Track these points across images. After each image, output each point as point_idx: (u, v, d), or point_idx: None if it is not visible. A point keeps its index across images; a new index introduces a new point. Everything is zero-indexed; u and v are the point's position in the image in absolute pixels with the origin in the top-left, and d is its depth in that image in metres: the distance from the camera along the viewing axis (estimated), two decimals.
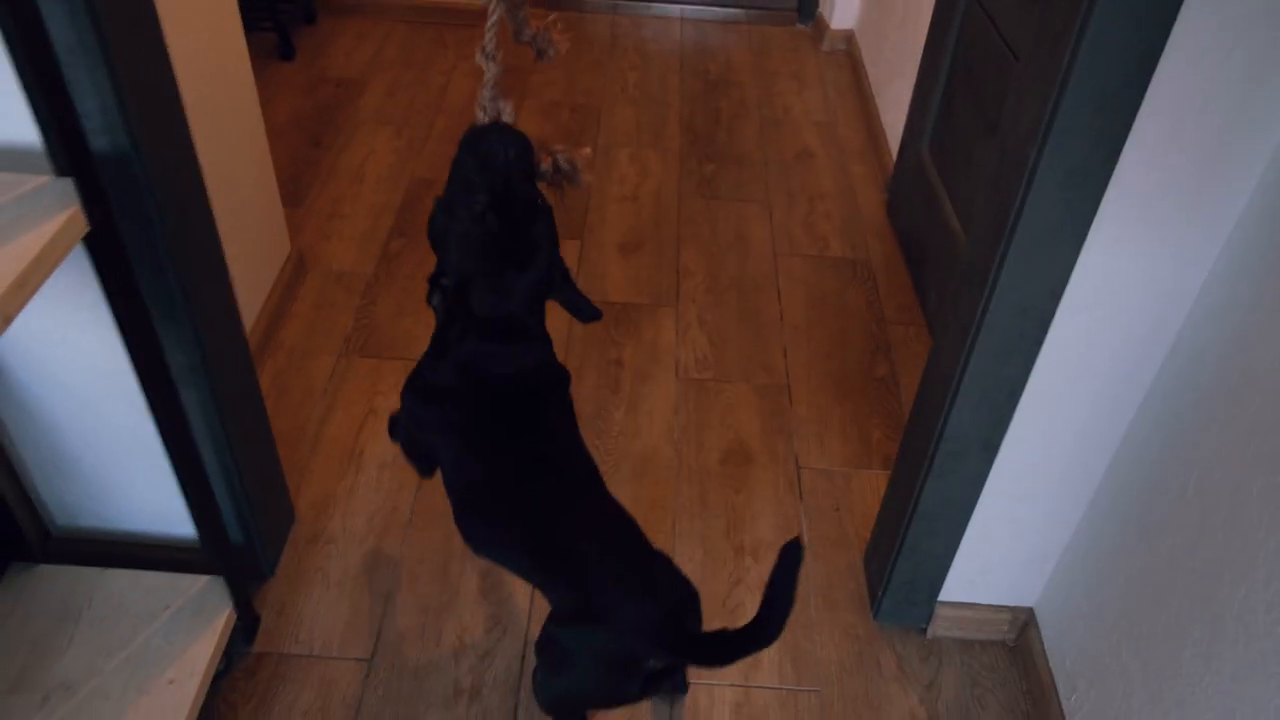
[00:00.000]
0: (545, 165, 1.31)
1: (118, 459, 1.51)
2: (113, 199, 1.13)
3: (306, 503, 1.84)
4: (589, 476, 1.33)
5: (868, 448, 2.02)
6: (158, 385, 1.29)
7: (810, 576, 1.77)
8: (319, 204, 2.56)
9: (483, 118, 1.32)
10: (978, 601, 1.65)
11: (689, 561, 1.78)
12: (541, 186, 1.32)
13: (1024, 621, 1.65)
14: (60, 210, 1.01)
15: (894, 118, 2.80)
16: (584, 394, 2.09)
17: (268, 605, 1.68)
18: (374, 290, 2.32)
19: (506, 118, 1.32)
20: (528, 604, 1.70)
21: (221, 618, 1.50)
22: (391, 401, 2.05)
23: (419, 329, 2.21)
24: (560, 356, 2.15)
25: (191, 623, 1.51)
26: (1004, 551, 1.56)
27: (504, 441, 1.29)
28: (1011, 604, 1.65)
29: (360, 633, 1.64)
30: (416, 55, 3.23)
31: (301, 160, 2.71)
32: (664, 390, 2.12)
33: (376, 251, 2.43)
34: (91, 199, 1.05)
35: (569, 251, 2.46)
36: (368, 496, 1.86)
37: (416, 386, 1.38)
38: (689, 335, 2.26)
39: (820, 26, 3.52)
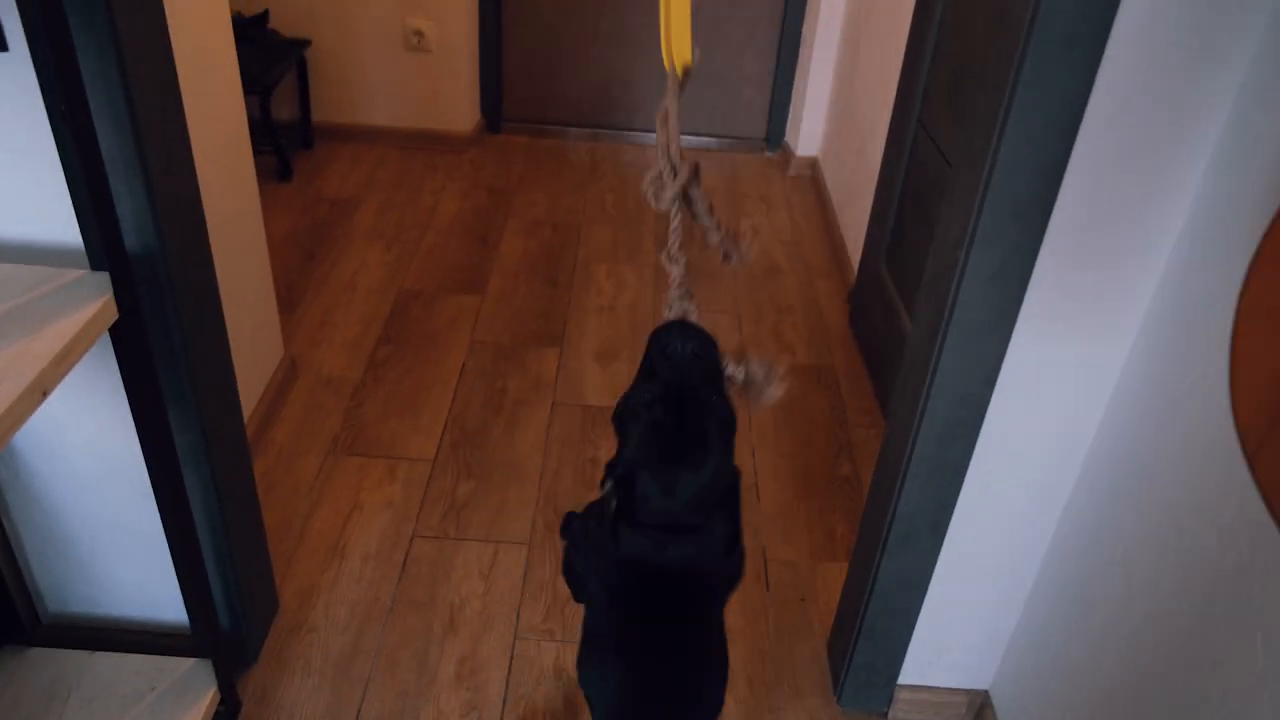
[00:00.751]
0: (738, 368, 1.29)
1: (113, 543, 1.59)
2: (139, 291, 1.25)
3: (291, 592, 1.91)
4: (698, 667, 1.34)
5: (831, 541, 2.12)
6: (164, 468, 1.38)
7: (776, 663, 1.84)
8: (311, 312, 2.70)
9: (669, 316, 1.35)
10: (935, 684, 1.72)
11: None
12: (732, 392, 1.31)
13: (980, 704, 1.72)
14: (96, 299, 1.14)
15: (854, 235, 2.99)
16: (562, 491, 2.19)
17: (249, 692, 1.72)
18: (361, 393, 2.43)
19: (691, 317, 1.33)
20: (502, 690, 1.75)
21: (206, 698, 1.56)
22: (375, 497, 2.13)
23: (403, 430, 2.32)
24: (538, 457, 2.26)
25: (176, 703, 1.55)
26: (958, 633, 1.65)
27: (640, 612, 1.32)
28: (967, 687, 1.72)
29: (340, 719, 1.69)
30: (408, 178, 3.43)
31: (296, 272, 2.86)
32: None
33: (365, 357, 2.55)
34: (121, 290, 1.17)
35: (547, 360, 2.60)
36: (350, 587, 1.92)
37: (588, 530, 1.37)
38: None
39: (787, 153, 3.77)
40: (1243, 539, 1.05)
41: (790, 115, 3.78)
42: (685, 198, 1.33)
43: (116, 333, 1.20)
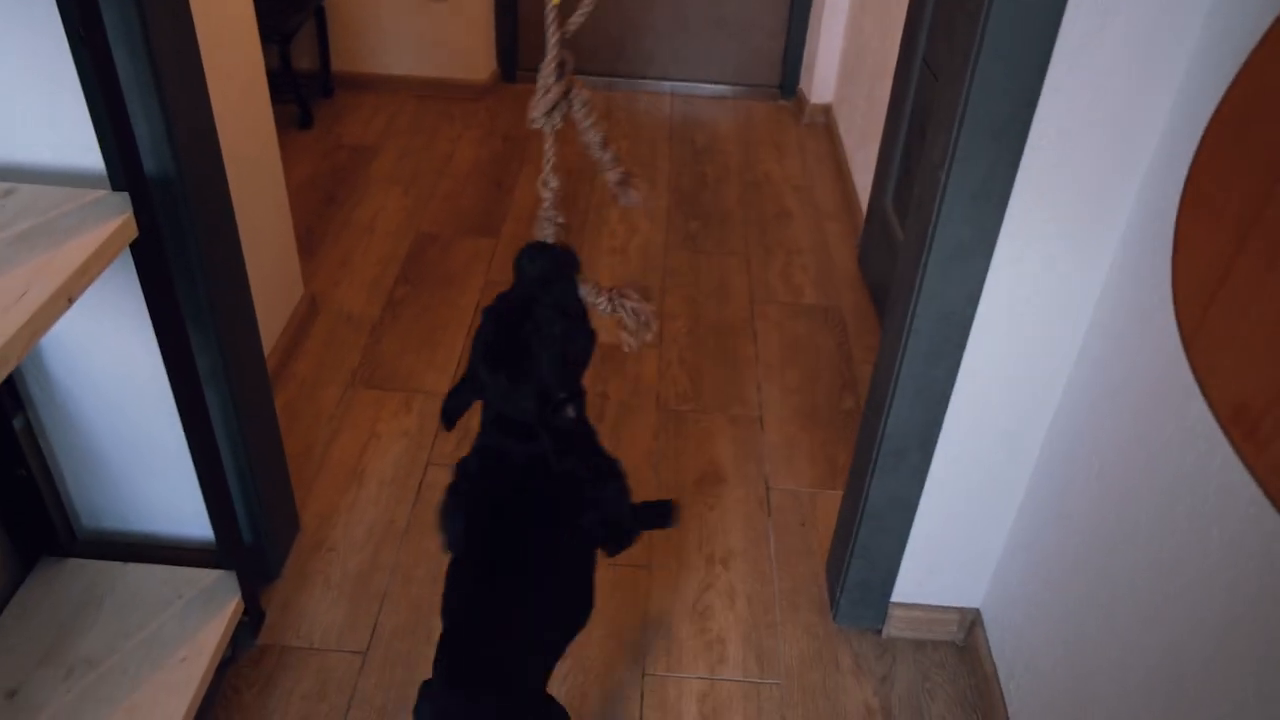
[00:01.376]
0: (601, 298, 1.36)
1: (141, 461, 1.67)
2: (158, 212, 1.32)
3: (311, 515, 2.00)
4: (538, 586, 1.36)
5: (833, 471, 2.18)
6: (186, 385, 1.46)
7: (776, 583, 1.91)
8: (331, 253, 2.77)
9: (538, 237, 1.42)
10: (927, 603, 1.79)
11: (662, 569, 1.92)
12: (610, 322, 1.37)
13: (971, 621, 1.79)
14: (116, 216, 1.21)
15: (864, 179, 3.01)
16: None
17: (272, 604, 1.82)
18: (380, 330, 2.51)
19: (549, 238, 1.39)
20: None
21: (230, 606, 1.65)
22: (392, 427, 2.22)
23: (419, 365, 2.39)
24: None
25: (203, 610, 1.65)
26: (948, 552, 1.71)
27: (483, 538, 1.36)
28: (959, 605, 1.78)
29: (357, 629, 1.78)
30: (425, 125, 3.48)
31: (316, 215, 2.93)
32: (645, 420, 2.28)
33: (383, 296, 2.62)
34: (141, 210, 1.24)
35: None
36: (368, 509, 2.01)
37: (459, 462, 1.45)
38: (670, 372, 2.43)
39: (801, 101, 3.78)
40: (1201, 437, 1.10)
41: (804, 62, 3.78)
42: (569, 120, 1.39)
43: (137, 251, 1.27)
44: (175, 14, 1.27)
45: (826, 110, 3.70)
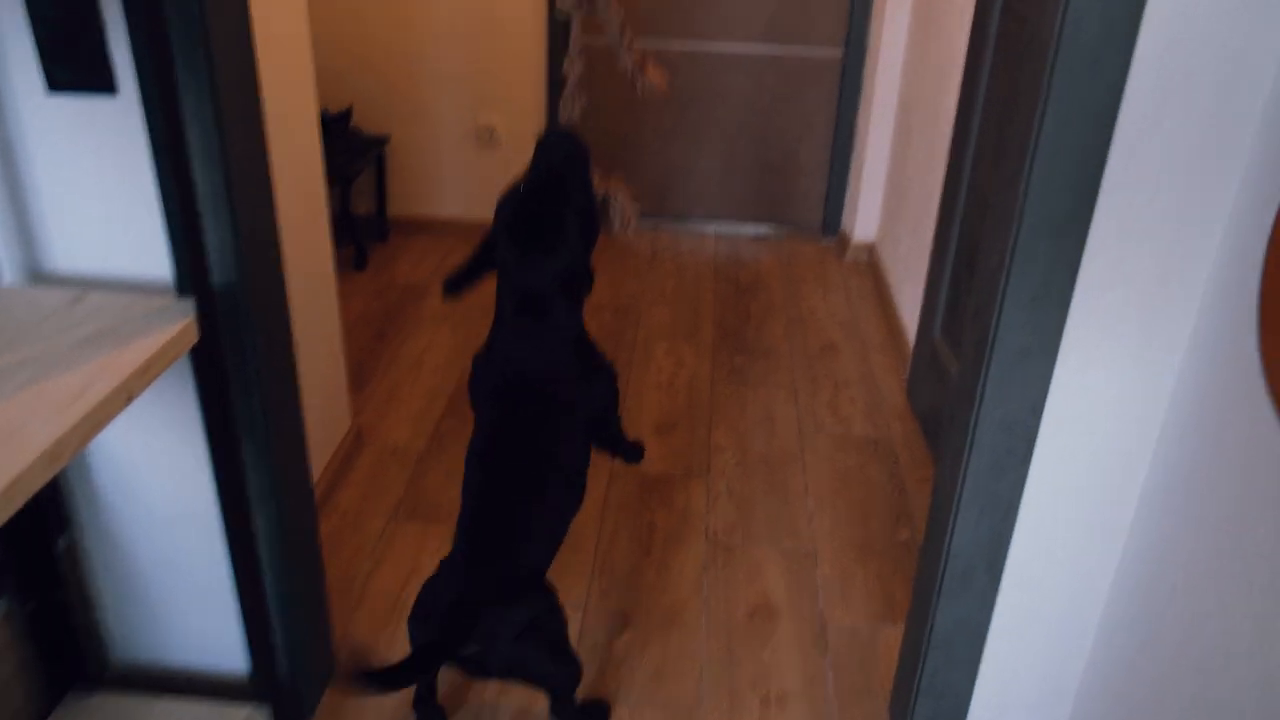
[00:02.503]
0: (600, 189, 1.48)
1: (180, 587, 1.64)
2: (220, 320, 1.34)
3: (350, 652, 1.93)
4: (541, 470, 1.52)
5: (891, 605, 2.08)
6: (235, 503, 1.45)
7: None
8: (380, 388, 2.79)
9: (563, 113, 1.52)
10: None
11: (714, 710, 1.82)
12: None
13: None
14: (180, 320, 1.22)
15: (910, 314, 3.01)
16: (617, 554, 2.20)
17: None
18: (425, 463, 2.49)
19: (573, 116, 1.51)
20: None
21: None
22: (434, 560, 2.16)
23: None
24: (594, 524, 2.28)
25: None
26: (1023, 682, 1.60)
27: (494, 426, 1.54)
28: None
29: None
30: None
31: (366, 351, 2.98)
32: (693, 551, 2.22)
33: (429, 429, 2.62)
34: (204, 316, 1.26)
35: None
36: (407, 646, 1.94)
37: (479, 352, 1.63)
38: (718, 504, 2.38)
39: (843, 240, 3.83)
40: None
41: (846, 203, 3.86)
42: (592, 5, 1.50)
43: (197, 356, 1.28)
44: (250, 130, 1.32)
45: (870, 249, 3.75)
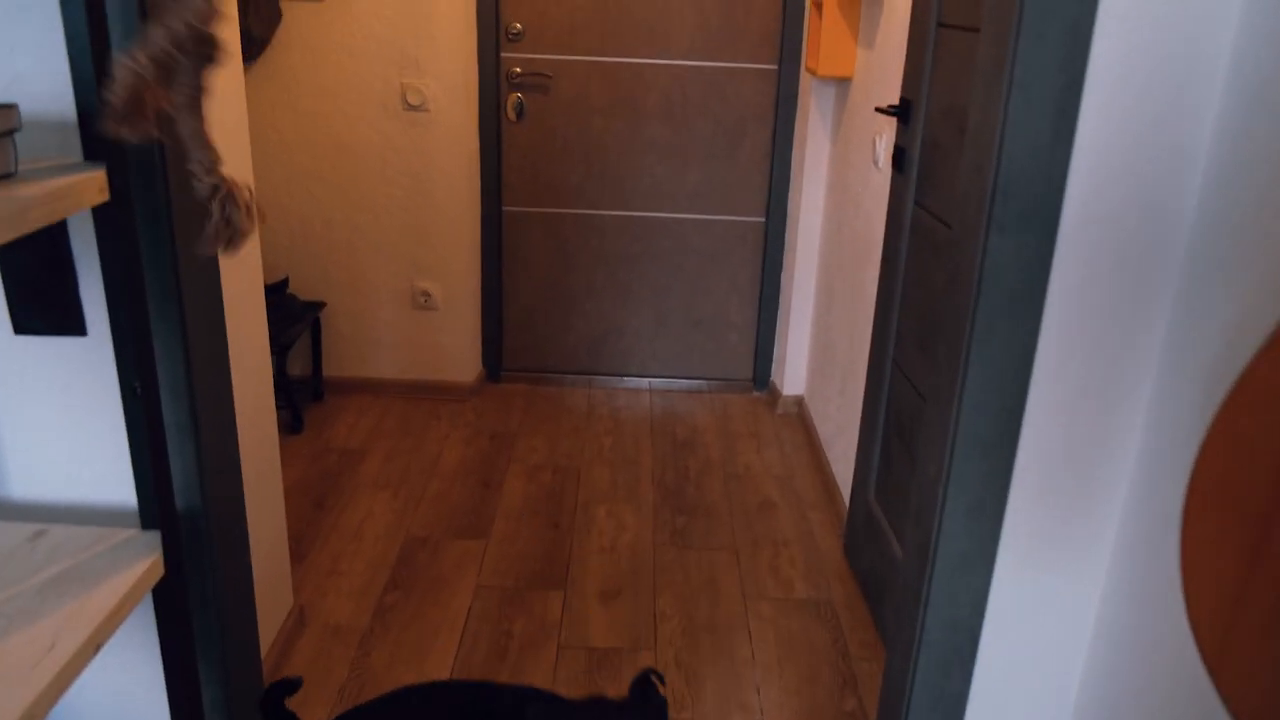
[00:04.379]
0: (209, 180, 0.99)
1: None
2: (184, 550, 1.34)
3: None
4: None
5: None
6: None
7: None
8: (319, 560, 2.76)
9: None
10: None
11: None
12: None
13: None
14: (146, 557, 1.23)
15: (843, 469, 3.12)
16: None
17: None
18: (369, 642, 2.45)
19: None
20: None
21: None
22: None
23: (410, 676, 2.33)
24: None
25: None
26: None
27: None
28: None
29: None
30: (413, 426, 3.58)
31: (305, 521, 2.94)
32: None
33: (371, 605, 2.59)
34: (170, 549, 1.27)
35: (552, 602, 2.64)
36: None
37: None
38: (668, 677, 2.38)
39: (774, 393, 3.96)
40: None
41: (775, 357, 4.01)
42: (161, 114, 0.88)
43: (159, 590, 1.28)
44: (217, 363, 1.36)
45: (799, 401, 3.88)
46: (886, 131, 2.73)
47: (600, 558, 2.86)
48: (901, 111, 2.42)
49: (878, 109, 2.50)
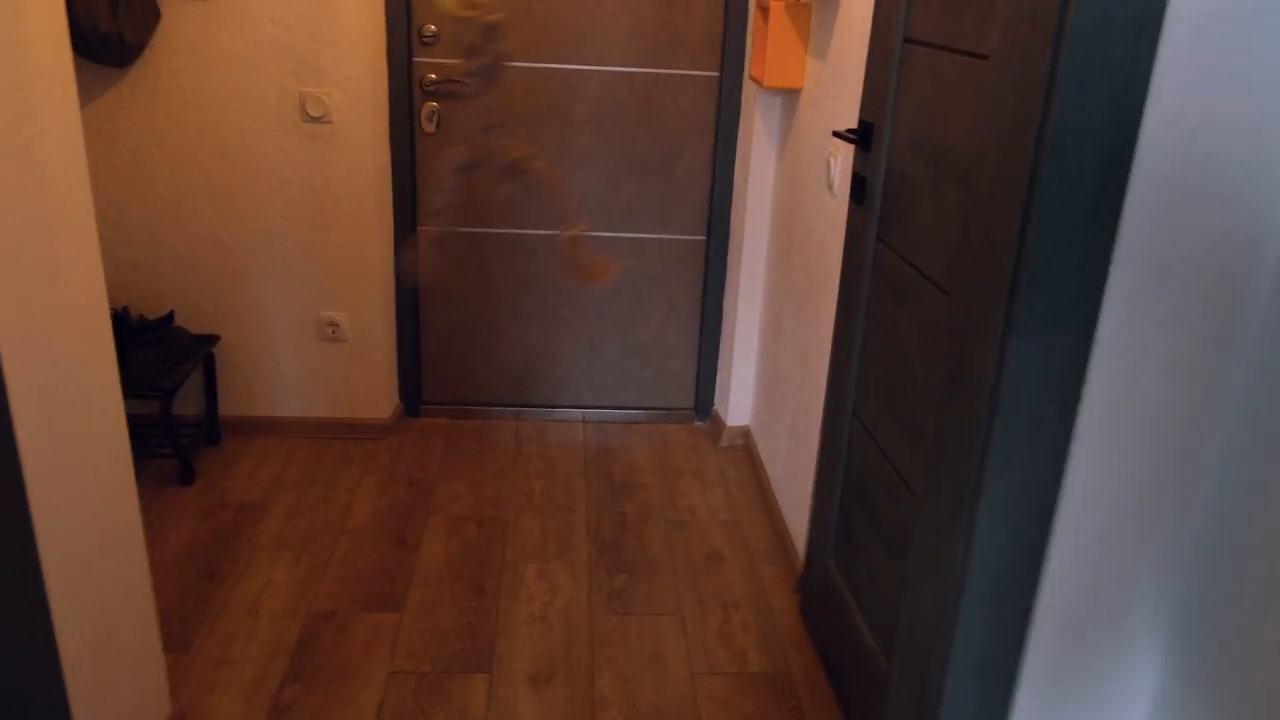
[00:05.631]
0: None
1: None
2: None
3: None
4: None
5: None
6: None
7: None
8: (207, 647, 2.41)
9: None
10: None
11: None
12: None
13: None
14: None
15: (796, 517, 2.86)
16: None
17: None
18: None
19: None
20: None
21: None
22: None
23: None
24: None
25: None
26: None
27: None
28: None
29: None
30: (321, 473, 3.23)
31: (191, 596, 2.58)
32: None
33: (266, 703, 2.25)
34: None
35: (475, 689, 2.33)
36: None
37: None
38: None
39: (717, 424, 3.69)
40: None
41: (718, 385, 3.74)
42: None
43: None
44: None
45: (745, 433, 3.62)
46: (842, 153, 2.46)
47: (530, 629, 2.56)
48: (861, 137, 2.15)
49: (835, 133, 2.23)
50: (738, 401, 3.60)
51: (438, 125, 3.38)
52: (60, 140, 1.64)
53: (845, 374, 2.33)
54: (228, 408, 3.40)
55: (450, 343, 3.64)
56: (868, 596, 2.18)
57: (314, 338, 3.36)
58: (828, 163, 2.59)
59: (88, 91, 3.04)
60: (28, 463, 1.50)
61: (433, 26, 3.28)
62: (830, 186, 2.58)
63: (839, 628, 2.35)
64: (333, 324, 3.34)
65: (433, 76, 3.32)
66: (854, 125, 2.29)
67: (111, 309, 3.10)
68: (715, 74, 3.42)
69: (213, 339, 3.26)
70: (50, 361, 1.60)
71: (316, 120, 3.13)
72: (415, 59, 3.31)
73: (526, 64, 3.35)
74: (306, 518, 2.97)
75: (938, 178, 1.82)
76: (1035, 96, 0.91)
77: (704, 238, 3.61)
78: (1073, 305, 0.91)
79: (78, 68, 2.99)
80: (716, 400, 3.75)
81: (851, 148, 2.31)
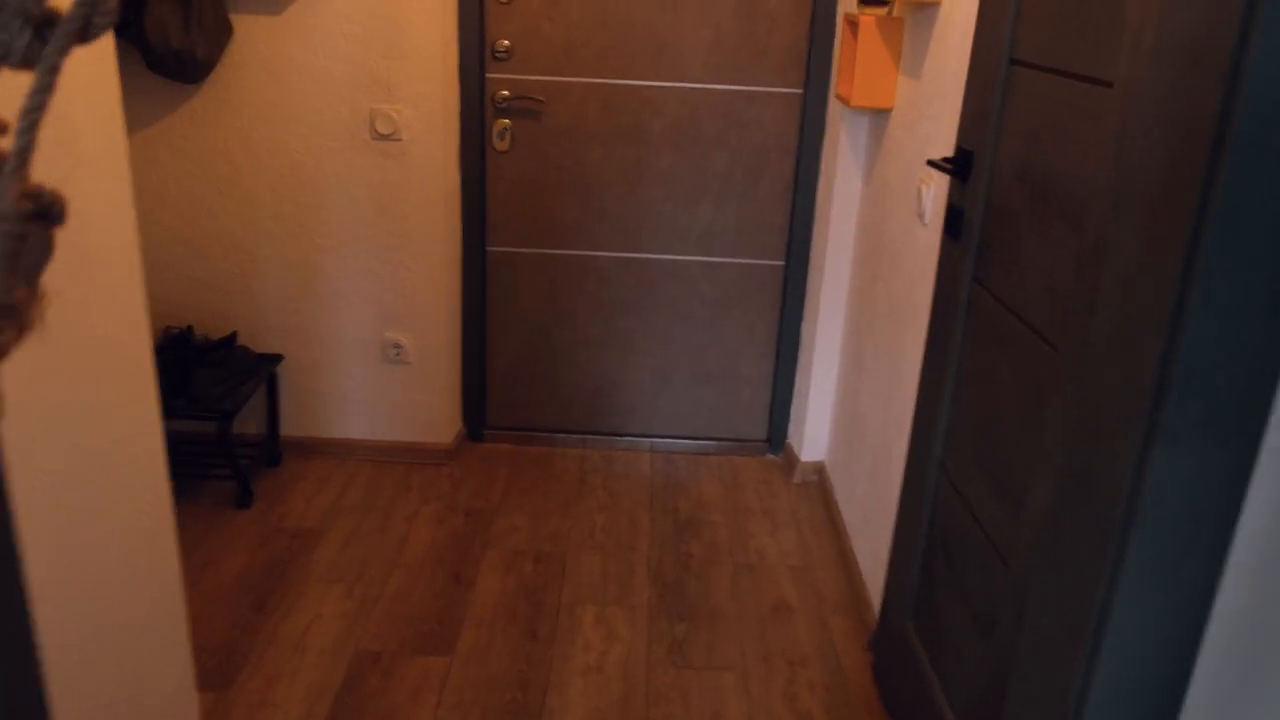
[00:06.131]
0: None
1: None
2: None
3: None
4: None
5: None
6: None
7: None
8: (251, 685, 2.32)
9: None
10: None
11: None
12: None
13: None
14: None
15: (871, 566, 2.66)
16: None
17: None
18: None
19: None
20: None
21: None
22: None
23: None
24: None
25: None
26: None
27: None
28: None
29: None
30: (380, 499, 3.14)
31: (240, 628, 2.51)
32: None
33: None
34: None
35: None
36: None
37: None
38: None
39: (790, 457, 3.51)
40: None
41: (792, 418, 3.55)
42: None
43: None
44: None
45: (819, 469, 3.43)
46: (936, 181, 2.27)
47: (585, 681, 2.41)
48: (959, 166, 1.96)
49: (930, 162, 2.04)
50: (813, 435, 3.41)
51: (508, 143, 3.27)
52: (101, 170, 1.55)
53: (933, 421, 2.13)
54: (289, 428, 3.34)
55: (517, 367, 3.53)
56: (950, 669, 1.98)
57: (378, 359, 3.28)
58: (919, 190, 2.40)
59: (162, 108, 3.02)
60: (39, 512, 1.41)
61: (506, 42, 3.18)
62: (921, 216, 2.38)
63: (916, 697, 2.15)
64: (397, 345, 3.25)
65: (505, 93, 3.22)
66: (949, 151, 2.10)
67: (176, 329, 3.08)
68: (799, 91, 3.25)
69: (276, 358, 3.21)
70: (76, 403, 1.51)
71: (386, 138, 3.05)
72: (488, 74, 3.21)
73: (601, 79, 3.22)
74: (362, 547, 2.89)
75: (1045, 215, 1.62)
76: (1200, 148, 0.73)
77: (783, 263, 3.44)
78: (1236, 413, 0.73)
79: (152, 86, 2.98)
80: (791, 433, 3.57)
81: (947, 177, 2.12)
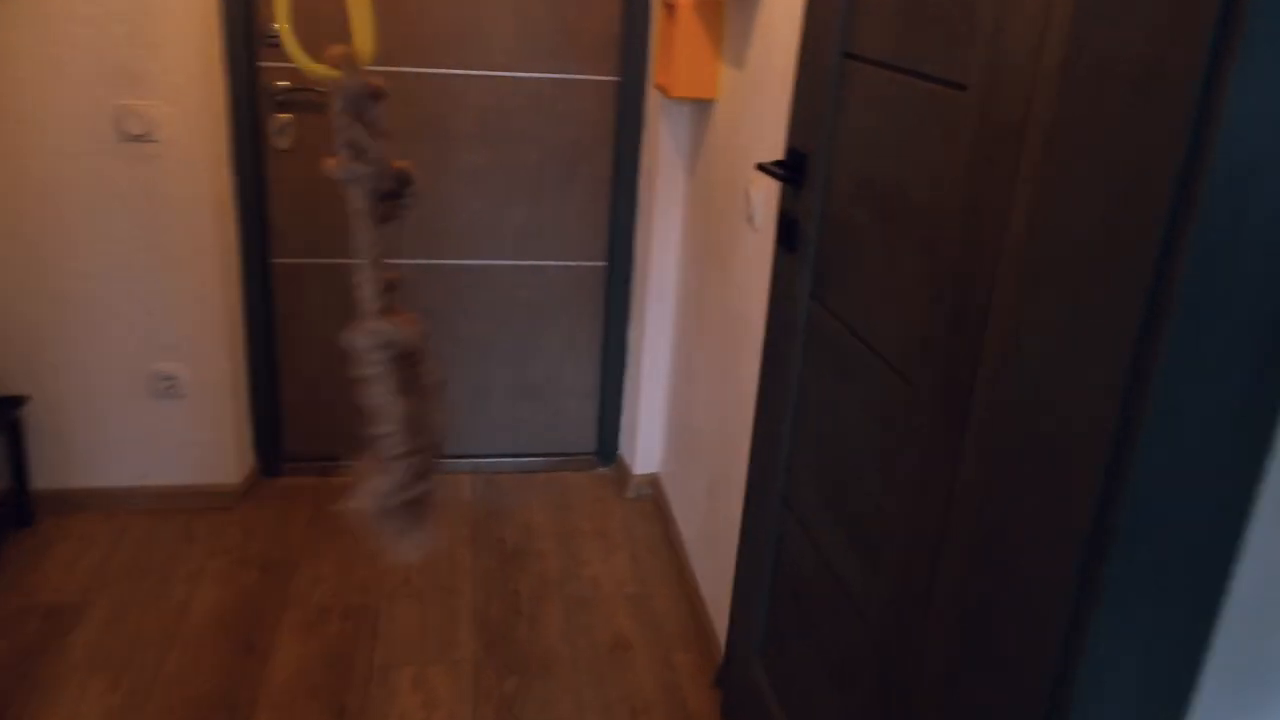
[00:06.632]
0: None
1: None
2: None
3: None
4: None
5: None
6: None
7: None
8: None
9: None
10: None
11: None
12: None
13: None
14: None
15: (715, 593, 2.48)
16: None
17: None
18: None
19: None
20: None
21: None
22: None
23: None
24: None
25: None
26: None
27: None
28: None
29: None
30: (155, 558, 2.72)
31: None
32: None
33: None
34: None
35: None
36: None
37: None
38: None
39: (622, 470, 3.30)
40: None
41: (623, 428, 3.34)
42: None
43: None
44: None
45: (654, 481, 3.23)
46: (766, 183, 2.08)
47: None
48: (793, 171, 1.77)
49: (760, 166, 1.84)
50: (646, 447, 3.21)
51: (294, 140, 2.88)
52: None
53: (773, 450, 1.95)
54: (42, 480, 2.85)
55: (315, 391, 3.15)
56: (800, 710, 1.81)
57: (145, 394, 2.83)
58: (747, 192, 2.21)
59: None
60: None
61: (278, 25, 2.78)
62: (751, 220, 2.20)
63: None
64: (168, 377, 2.82)
65: (284, 84, 2.82)
66: (779, 148, 1.91)
67: None
68: (616, 79, 3.01)
69: (18, 401, 2.72)
70: None
71: (138, 139, 2.61)
72: (261, 64, 2.81)
73: (394, 67, 2.88)
74: (133, 621, 2.47)
75: (891, 236, 1.44)
76: (1153, 213, 0.53)
77: (605, 263, 3.20)
78: (1197, 558, 0.55)
79: None
80: (622, 445, 3.35)
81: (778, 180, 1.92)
